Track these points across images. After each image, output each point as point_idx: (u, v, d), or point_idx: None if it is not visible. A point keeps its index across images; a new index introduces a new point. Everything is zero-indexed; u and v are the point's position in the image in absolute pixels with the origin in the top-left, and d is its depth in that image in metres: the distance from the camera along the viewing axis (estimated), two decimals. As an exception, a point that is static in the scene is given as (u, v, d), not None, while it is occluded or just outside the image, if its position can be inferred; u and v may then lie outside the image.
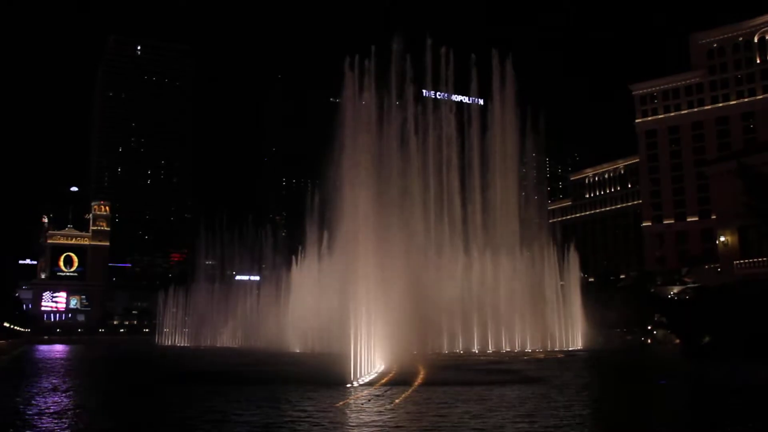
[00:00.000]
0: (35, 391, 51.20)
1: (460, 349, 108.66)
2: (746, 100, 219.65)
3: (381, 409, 37.67)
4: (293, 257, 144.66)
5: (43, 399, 45.34)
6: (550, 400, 42.29)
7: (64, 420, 35.40)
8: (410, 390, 46.97)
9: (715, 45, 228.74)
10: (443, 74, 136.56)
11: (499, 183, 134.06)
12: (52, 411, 38.84)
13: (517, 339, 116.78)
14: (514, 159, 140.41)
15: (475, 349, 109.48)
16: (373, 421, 33.05)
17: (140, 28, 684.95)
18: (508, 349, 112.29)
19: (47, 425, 32.98)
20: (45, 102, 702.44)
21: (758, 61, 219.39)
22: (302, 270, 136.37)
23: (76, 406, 42.09)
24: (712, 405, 42.48)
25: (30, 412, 37.59)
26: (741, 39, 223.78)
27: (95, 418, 36.53)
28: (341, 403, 40.42)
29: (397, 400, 41.20)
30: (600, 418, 36.63)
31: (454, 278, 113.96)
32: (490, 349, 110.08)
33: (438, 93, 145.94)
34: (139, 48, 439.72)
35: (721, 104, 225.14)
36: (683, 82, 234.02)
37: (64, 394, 49.41)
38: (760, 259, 73.62)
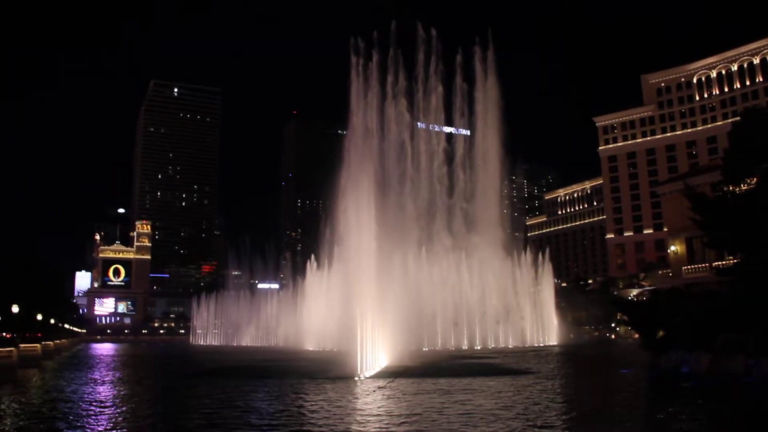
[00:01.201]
0: (88, 381, 51.55)
1: (452, 346, 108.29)
2: (689, 130, 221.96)
3: (383, 398, 37.87)
4: (308, 268, 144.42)
5: (93, 388, 45.66)
6: (528, 387, 42.51)
7: (109, 407, 35.69)
8: (409, 381, 47.16)
9: (662, 84, 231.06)
10: (436, 108, 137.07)
11: (482, 202, 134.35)
12: (100, 399, 39.19)
13: (501, 336, 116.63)
14: (496, 182, 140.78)
15: (464, 346, 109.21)
16: (377, 408, 33.28)
17: (177, 73, 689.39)
18: (493, 345, 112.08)
19: (94, 410, 33.30)
20: (96, 138, 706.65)
21: (697, 98, 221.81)
22: (315, 279, 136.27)
23: (120, 396, 42.33)
24: (668, 388, 42.82)
25: (81, 400, 37.98)
26: (683, 80, 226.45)
27: (136, 406, 36.79)
28: (348, 392, 40.65)
29: (397, 390, 41.38)
30: (573, 401, 36.87)
31: (445, 286, 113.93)
32: (478, 346, 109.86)
33: (431, 126, 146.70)
34: (175, 90, 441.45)
35: (669, 134, 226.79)
36: (638, 115, 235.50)
37: (111, 385, 49.67)
38: (703, 265, 73.71)
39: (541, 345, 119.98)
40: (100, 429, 27.61)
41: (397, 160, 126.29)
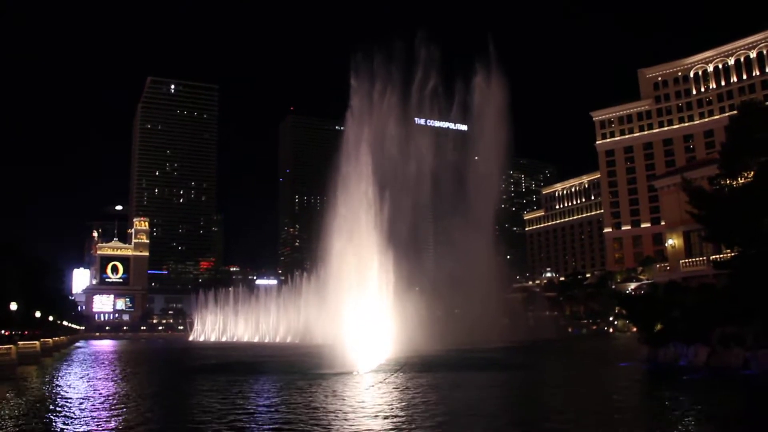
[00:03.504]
0: (87, 378, 51.50)
1: (450, 343, 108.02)
2: (686, 124, 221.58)
3: (379, 392, 37.88)
4: (306, 265, 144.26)
5: (92, 385, 45.59)
6: (524, 381, 42.58)
7: (108, 404, 35.63)
8: (407, 375, 47.22)
9: (659, 78, 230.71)
10: (432, 105, 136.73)
11: (478, 199, 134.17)
12: (99, 396, 39.13)
13: (497, 331, 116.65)
14: (494, 178, 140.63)
15: (464, 344, 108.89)
16: (372, 401, 33.28)
17: (173, 70, 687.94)
18: (489, 340, 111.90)
19: (93, 407, 33.26)
20: (92, 135, 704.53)
21: (694, 92, 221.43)
22: (316, 276, 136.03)
23: (120, 392, 42.27)
24: (666, 381, 42.89)
25: (80, 397, 37.93)
26: (680, 74, 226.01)
27: (136, 402, 36.73)
28: (347, 385, 40.67)
29: (394, 384, 41.39)
30: (572, 395, 36.92)
31: (441, 285, 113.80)
32: (477, 341, 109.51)
33: (427, 121, 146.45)
34: (172, 87, 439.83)
35: (666, 128, 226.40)
36: (635, 110, 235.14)
37: (110, 382, 49.64)
38: (701, 259, 73.84)
39: (538, 338, 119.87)
40: (98, 426, 27.56)
41: (394, 155, 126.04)
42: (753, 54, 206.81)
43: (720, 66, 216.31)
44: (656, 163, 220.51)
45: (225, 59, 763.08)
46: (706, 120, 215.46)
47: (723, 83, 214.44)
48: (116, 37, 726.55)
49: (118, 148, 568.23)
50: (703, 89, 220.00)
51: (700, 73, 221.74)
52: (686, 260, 77.03)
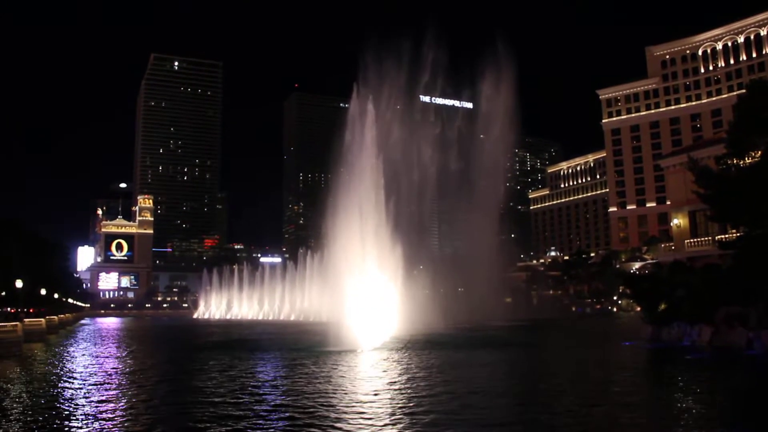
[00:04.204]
0: (93, 355, 51.97)
1: (454, 322, 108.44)
2: (693, 103, 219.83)
3: (387, 370, 38.07)
4: (310, 243, 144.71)
5: (98, 362, 46.01)
6: (529, 360, 42.73)
7: (114, 382, 35.93)
8: (410, 353, 47.49)
9: (667, 56, 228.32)
10: (438, 81, 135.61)
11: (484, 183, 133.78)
12: (105, 373, 39.49)
13: (500, 310, 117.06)
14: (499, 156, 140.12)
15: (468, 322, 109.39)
16: (375, 379, 33.46)
17: (177, 47, 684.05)
18: (492, 319, 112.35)
19: (99, 385, 33.58)
20: (97, 113, 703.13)
21: (702, 71, 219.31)
22: (320, 254, 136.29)
23: (125, 370, 42.62)
24: (670, 361, 43.00)
25: (85, 373, 38.28)
26: (688, 52, 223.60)
27: (140, 379, 37.04)
28: (350, 361, 40.91)
29: (397, 362, 41.62)
30: (576, 374, 37.08)
31: (445, 263, 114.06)
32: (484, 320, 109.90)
33: (433, 98, 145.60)
34: (176, 64, 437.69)
35: (673, 107, 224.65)
36: (642, 88, 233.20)
37: (116, 360, 50.07)
38: (706, 239, 73.64)
39: (540, 318, 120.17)
40: (102, 403, 27.82)
41: (399, 134, 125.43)
42: (763, 32, 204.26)
43: (729, 44, 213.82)
44: (663, 142, 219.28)
45: (229, 36, 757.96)
46: (714, 99, 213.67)
47: (732, 61, 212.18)
48: (119, 14, 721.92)
49: (122, 125, 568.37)
50: (711, 67, 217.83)
51: (708, 51, 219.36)
52: (691, 240, 76.88)
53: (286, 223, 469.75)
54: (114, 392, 31.15)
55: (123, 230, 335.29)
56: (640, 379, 35.92)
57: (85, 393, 30.57)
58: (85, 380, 35.54)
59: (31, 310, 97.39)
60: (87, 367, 42.90)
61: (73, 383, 34.40)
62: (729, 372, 36.94)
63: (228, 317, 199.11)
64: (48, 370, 42.13)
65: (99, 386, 33.04)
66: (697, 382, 32.59)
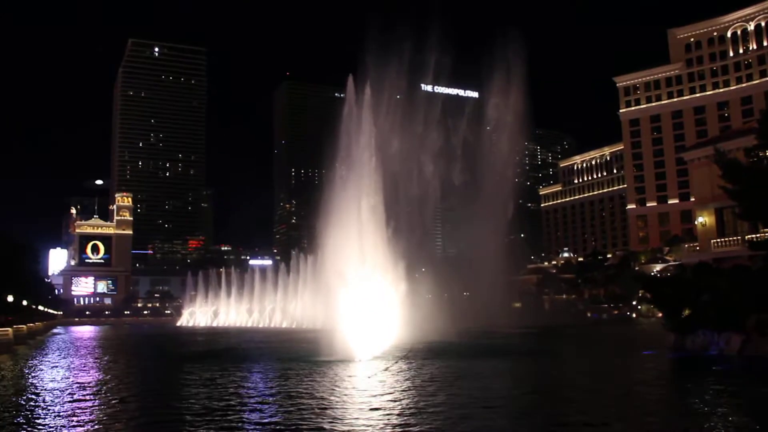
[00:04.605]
0: (64, 368, 51.57)
1: (458, 329, 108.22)
2: (721, 90, 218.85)
3: (380, 381, 37.79)
4: (303, 244, 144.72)
5: (69, 376, 45.64)
6: (543, 369, 42.39)
7: (85, 397, 35.57)
8: (411, 363, 47.24)
9: (692, 39, 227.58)
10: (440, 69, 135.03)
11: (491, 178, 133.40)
12: (76, 388, 39.10)
13: (510, 316, 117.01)
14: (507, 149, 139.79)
15: (474, 326, 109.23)
16: (372, 392, 33.15)
17: (157, 32, 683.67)
18: (499, 326, 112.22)
19: (68, 400, 33.20)
20: (69, 102, 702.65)
21: (731, 54, 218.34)
22: (314, 256, 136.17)
23: (98, 384, 42.24)
24: (695, 372, 42.68)
25: (54, 388, 37.90)
26: (716, 34, 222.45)
27: (115, 393, 36.67)
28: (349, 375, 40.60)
29: (397, 373, 41.34)
30: (594, 386, 36.75)
31: (449, 266, 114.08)
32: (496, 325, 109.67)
33: (435, 87, 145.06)
34: (156, 50, 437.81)
35: (698, 94, 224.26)
36: (663, 74, 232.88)
37: (89, 372, 49.68)
38: (734, 238, 73.42)
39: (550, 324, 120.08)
40: (73, 419, 27.45)
41: (400, 125, 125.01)
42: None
43: (763, 24, 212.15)
44: (686, 134, 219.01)
45: (213, 19, 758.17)
46: (744, 85, 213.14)
47: (765, 43, 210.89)
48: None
49: (98, 117, 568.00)
50: (741, 50, 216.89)
51: (738, 32, 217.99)
52: (718, 240, 76.65)
53: (277, 222, 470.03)
54: (87, 407, 30.75)
55: (99, 231, 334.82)
56: (662, 392, 35.55)
57: (56, 410, 30.19)
58: (57, 396, 35.17)
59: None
60: (58, 381, 42.53)
61: (42, 399, 34.02)
62: (762, 385, 36.56)
63: (214, 324, 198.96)
64: (14, 384, 41.75)
65: (69, 401, 32.64)
66: (726, 395, 32.19)
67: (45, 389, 38.12)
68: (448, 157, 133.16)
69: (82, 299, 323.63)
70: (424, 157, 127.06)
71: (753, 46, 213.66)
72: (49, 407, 30.92)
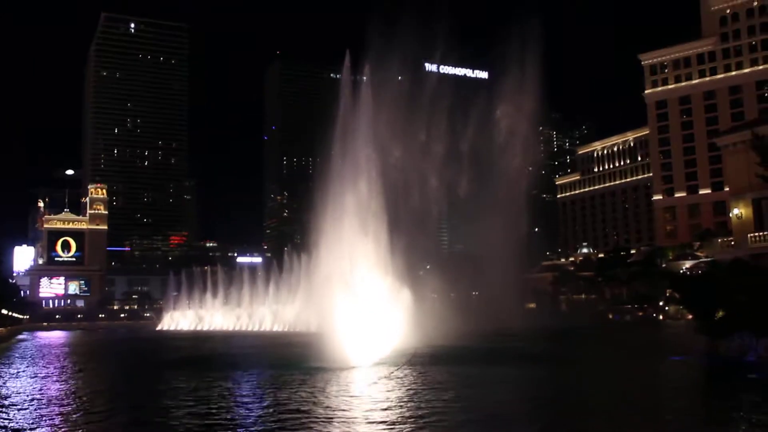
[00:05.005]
0: (29, 377, 51.51)
1: (466, 331, 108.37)
2: (760, 67, 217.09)
3: (381, 390, 37.70)
4: (296, 239, 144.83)
5: (34, 386, 45.58)
6: (562, 378, 42.24)
7: (52, 408, 35.46)
8: (414, 370, 47.18)
9: (728, 11, 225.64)
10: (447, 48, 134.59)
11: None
12: (42, 399, 38.99)
13: (523, 317, 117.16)
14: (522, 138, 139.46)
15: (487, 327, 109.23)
16: (372, 402, 33.06)
17: (133, 6, 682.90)
18: (511, 328, 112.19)
19: (36, 411, 33.07)
20: (36, 82, 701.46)
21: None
22: (308, 252, 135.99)
23: (65, 394, 42.14)
24: (730, 380, 42.49)
25: (18, 400, 37.80)
26: (756, 3, 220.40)
27: (87, 405, 36.55)
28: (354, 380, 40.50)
29: (399, 380, 41.26)
30: (619, 395, 36.59)
31: (456, 263, 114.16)
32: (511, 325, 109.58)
33: (441, 67, 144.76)
34: (132, 25, 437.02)
35: (734, 73, 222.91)
36: (694, 51, 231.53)
37: (56, 382, 49.60)
38: (774, 232, 73.21)
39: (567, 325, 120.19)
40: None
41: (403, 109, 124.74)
42: None
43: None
44: (720, 117, 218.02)
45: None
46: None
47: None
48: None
49: (68, 100, 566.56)
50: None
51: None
52: (756, 234, 76.36)
53: (268, 216, 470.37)
54: (56, 421, 30.63)
55: (70, 226, 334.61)
56: (692, 403, 35.37)
57: (21, 424, 30.07)
58: (22, 408, 35.09)
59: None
60: (24, 392, 42.42)
61: (6, 412, 33.93)
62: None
63: (199, 328, 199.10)
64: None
65: (36, 414, 32.53)
66: (764, 407, 32.01)
67: (12, 401, 38.03)
68: (453, 141, 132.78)
69: (51, 301, 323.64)
70: (428, 142, 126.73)
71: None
72: (12, 420, 30.78)
